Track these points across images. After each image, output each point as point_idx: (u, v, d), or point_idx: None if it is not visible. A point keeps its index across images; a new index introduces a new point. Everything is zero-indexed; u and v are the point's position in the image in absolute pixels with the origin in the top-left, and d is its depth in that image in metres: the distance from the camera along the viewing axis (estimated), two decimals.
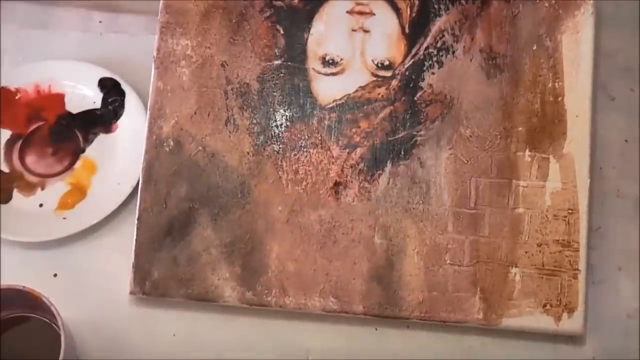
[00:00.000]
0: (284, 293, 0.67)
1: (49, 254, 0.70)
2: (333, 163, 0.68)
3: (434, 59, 0.69)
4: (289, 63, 0.70)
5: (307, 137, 0.69)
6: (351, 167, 0.68)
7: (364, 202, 0.68)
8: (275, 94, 0.69)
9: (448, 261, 0.67)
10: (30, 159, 0.74)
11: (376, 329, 0.68)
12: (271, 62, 0.70)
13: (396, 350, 0.68)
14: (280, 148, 0.68)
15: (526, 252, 0.67)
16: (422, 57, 0.70)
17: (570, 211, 0.67)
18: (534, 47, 0.69)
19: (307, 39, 0.70)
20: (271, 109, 0.69)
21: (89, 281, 0.70)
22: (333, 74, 0.70)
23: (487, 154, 0.68)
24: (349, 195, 0.68)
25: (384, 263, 0.67)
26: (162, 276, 0.67)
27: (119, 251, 0.69)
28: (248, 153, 0.68)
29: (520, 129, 0.68)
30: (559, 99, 0.69)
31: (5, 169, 0.73)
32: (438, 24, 0.70)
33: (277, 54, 0.70)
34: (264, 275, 0.67)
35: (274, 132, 0.69)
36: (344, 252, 0.67)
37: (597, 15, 0.70)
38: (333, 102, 0.69)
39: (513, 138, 0.68)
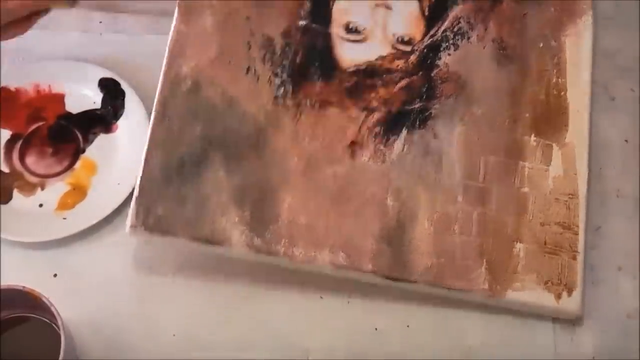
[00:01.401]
0: (293, 244, 0.64)
1: (49, 254, 0.68)
2: (351, 122, 0.68)
3: (450, 41, 0.72)
4: (314, 25, 0.71)
5: (326, 95, 0.69)
6: (368, 129, 0.68)
7: (378, 163, 0.68)
8: (298, 51, 0.70)
9: (457, 230, 0.67)
10: (30, 159, 0.72)
11: (376, 329, 0.67)
12: (296, 23, 0.70)
13: (396, 350, 0.67)
14: (300, 102, 0.68)
15: (530, 230, 0.68)
16: (439, 39, 0.72)
17: (570, 196, 0.70)
18: (541, 45, 0.74)
19: (332, 6, 0.72)
20: (292, 66, 0.69)
21: (89, 281, 0.68)
22: (355, 41, 0.71)
23: (495, 134, 0.70)
24: (365, 155, 0.68)
25: (395, 225, 0.66)
26: (168, 213, 0.63)
27: (119, 251, 0.68)
28: (267, 103, 0.67)
29: (526, 115, 0.71)
30: (562, 93, 0.73)
31: (5, 169, 0.72)
32: (455, 11, 0.74)
33: (303, 15, 0.71)
34: (274, 224, 0.64)
35: (294, 87, 0.68)
36: (356, 211, 0.66)
37: (596, 22, 0.76)
38: (354, 66, 0.70)
39: (520, 122, 0.71)
